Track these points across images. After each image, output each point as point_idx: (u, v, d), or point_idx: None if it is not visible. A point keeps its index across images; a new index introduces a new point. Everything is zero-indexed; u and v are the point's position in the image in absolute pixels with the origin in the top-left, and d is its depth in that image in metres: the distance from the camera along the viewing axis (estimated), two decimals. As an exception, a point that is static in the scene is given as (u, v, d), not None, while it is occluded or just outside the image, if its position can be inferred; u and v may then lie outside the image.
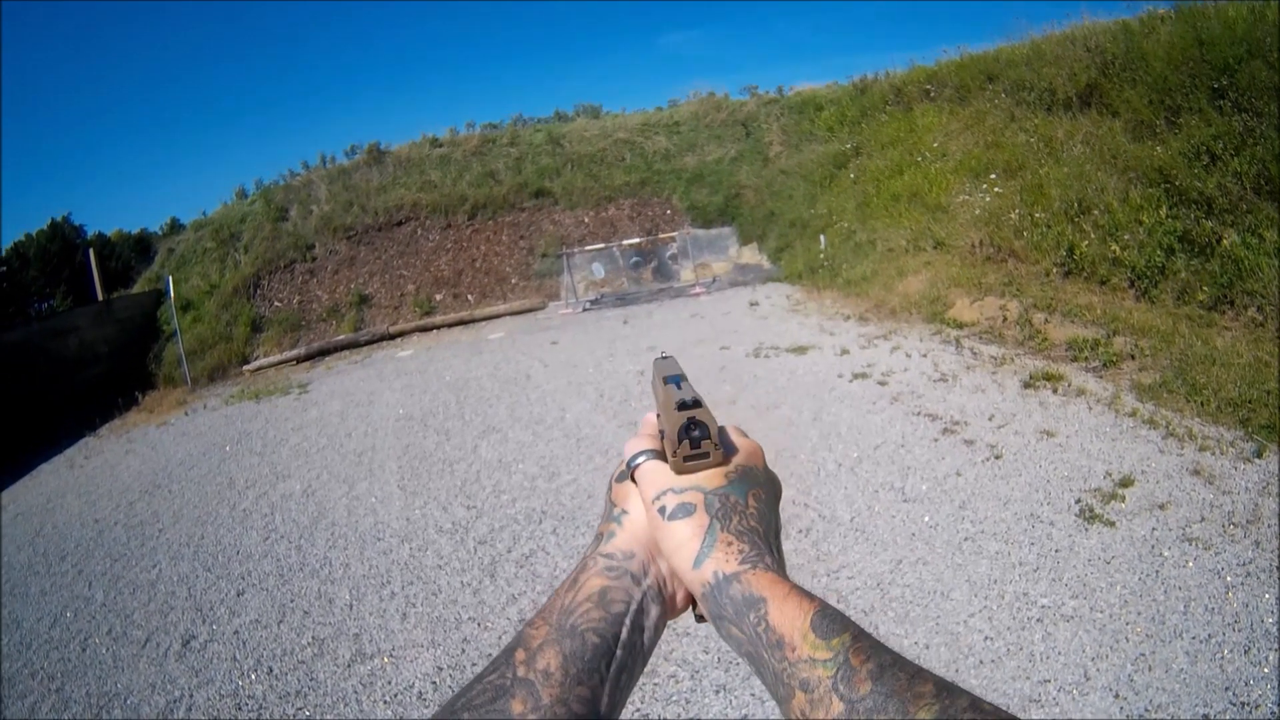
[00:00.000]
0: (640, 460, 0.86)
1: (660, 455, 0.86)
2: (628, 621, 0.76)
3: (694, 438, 0.82)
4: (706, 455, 0.82)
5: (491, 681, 0.68)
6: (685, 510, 0.79)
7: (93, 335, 17.58)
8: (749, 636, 0.70)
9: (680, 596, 0.82)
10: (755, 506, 0.81)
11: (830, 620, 0.67)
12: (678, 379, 0.92)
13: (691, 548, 0.76)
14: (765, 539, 0.79)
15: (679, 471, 0.82)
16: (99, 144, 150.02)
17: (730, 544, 0.76)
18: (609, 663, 0.72)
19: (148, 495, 9.64)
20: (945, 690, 0.57)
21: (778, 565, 0.77)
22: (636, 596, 0.78)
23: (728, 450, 0.85)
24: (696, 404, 0.82)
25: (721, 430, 0.87)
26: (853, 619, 0.67)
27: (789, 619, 0.68)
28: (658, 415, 0.92)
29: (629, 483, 0.87)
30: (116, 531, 8.54)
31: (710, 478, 0.82)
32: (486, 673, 0.69)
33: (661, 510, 0.80)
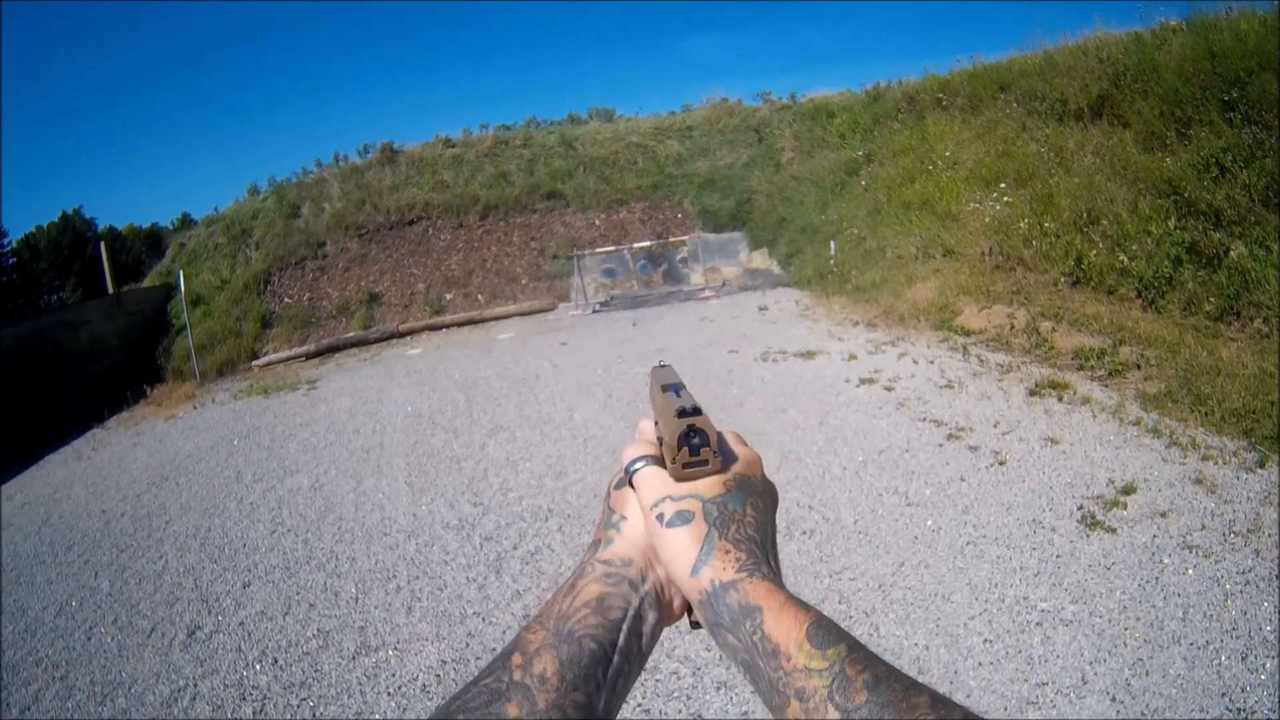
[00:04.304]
0: (639, 466, 0.86)
1: (658, 462, 0.85)
2: (625, 628, 0.76)
3: (693, 445, 0.81)
4: (706, 463, 0.82)
5: (488, 685, 0.69)
6: (683, 518, 0.79)
7: (103, 328, 17.65)
8: (745, 644, 0.71)
9: (677, 603, 0.82)
10: (753, 515, 0.81)
11: (826, 631, 0.67)
12: (676, 387, 0.92)
13: (689, 555, 0.77)
14: (762, 548, 0.79)
15: (678, 479, 0.82)
16: (111, 138, 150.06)
17: (728, 552, 0.76)
18: (606, 668, 0.73)
19: (155, 487, 9.68)
20: (940, 703, 0.59)
21: (774, 574, 0.77)
22: (634, 603, 0.79)
23: (727, 459, 0.85)
24: (696, 411, 0.82)
25: (720, 438, 0.87)
26: (853, 624, 0.68)
27: (785, 628, 0.68)
28: (655, 423, 0.92)
29: (627, 489, 0.87)
30: (123, 522, 8.58)
31: (709, 486, 0.82)
32: (483, 676, 0.70)
33: (660, 517, 0.80)
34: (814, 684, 0.64)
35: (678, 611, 0.83)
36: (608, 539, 0.85)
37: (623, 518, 0.86)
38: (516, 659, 0.71)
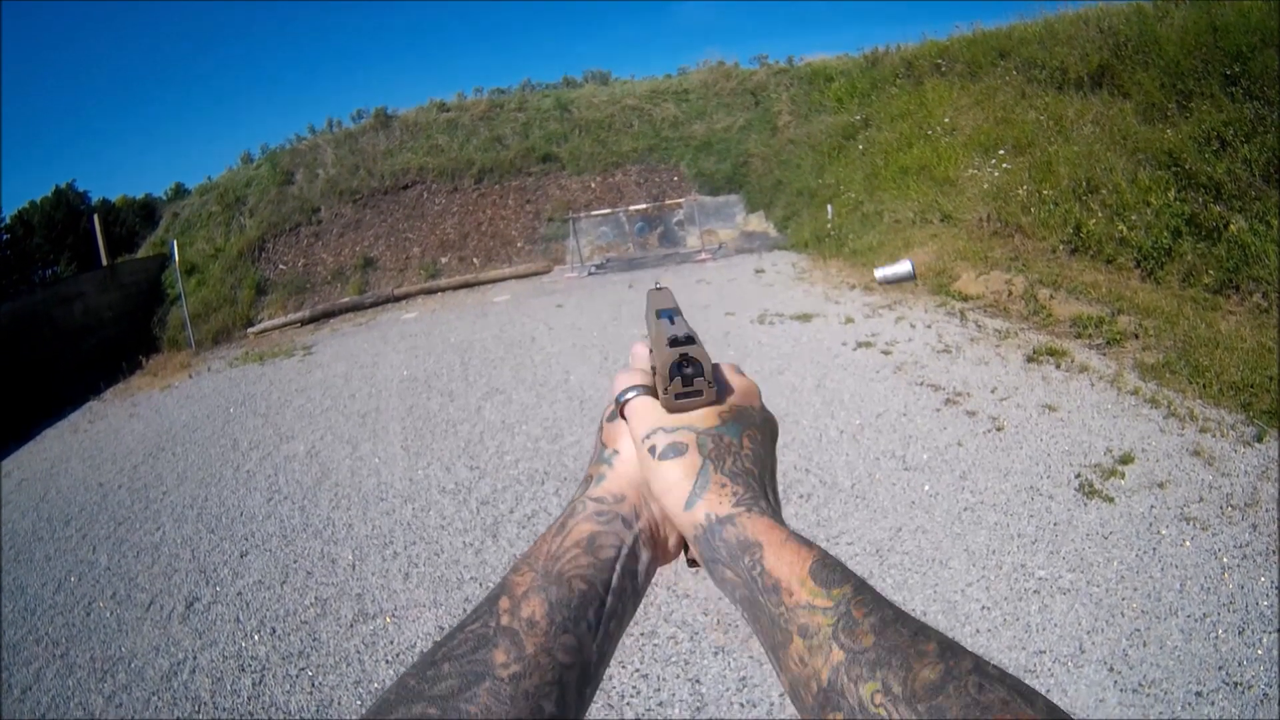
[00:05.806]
0: (629, 396, 0.83)
1: (651, 391, 0.82)
2: (618, 567, 0.74)
3: (686, 375, 0.78)
4: (699, 393, 0.79)
5: (474, 630, 0.66)
6: (676, 450, 0.76)
7: (98, 301, 17.61)
8: (744, 579, 0.68)
9: (673, 541, 0.80)
10: (750, 447, 0.78)
11: (831, 570, 0.64)
12: (671, 313, 0.89)
13: (683, 489, 0.74)
14: (760, 481, 0.76)
15: (670, 410, 0.79)
16: (104, 110, 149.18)
17: (724, 486, 0.73)
18: (599, 609, 0.70)
19: (151, 458, 9.69)
20: (949, 649, 0.56)
21: (773, 509, 0.74)
22: (628, 541, 0.76)
23: (722, 389, 0.83)
24: (690, 340, 0.79)
25: (716, 368, 0.84)
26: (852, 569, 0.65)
27: (786, 564, 0.66)
28: (649, 349, 0.88)
29: (620, 422, 0.84)
30: (120, 495, 8.59)
31: (703, 417, 0.79)
32: (469, 621, 0.67)
33: (652, 450, 0.77)
34: (818, 620, 0.61)
35: (673, 550, 0.81)
36: (599, 475, 0.82)
37: (615, 452, 0.83)
38: (504, 603, 0.68)
